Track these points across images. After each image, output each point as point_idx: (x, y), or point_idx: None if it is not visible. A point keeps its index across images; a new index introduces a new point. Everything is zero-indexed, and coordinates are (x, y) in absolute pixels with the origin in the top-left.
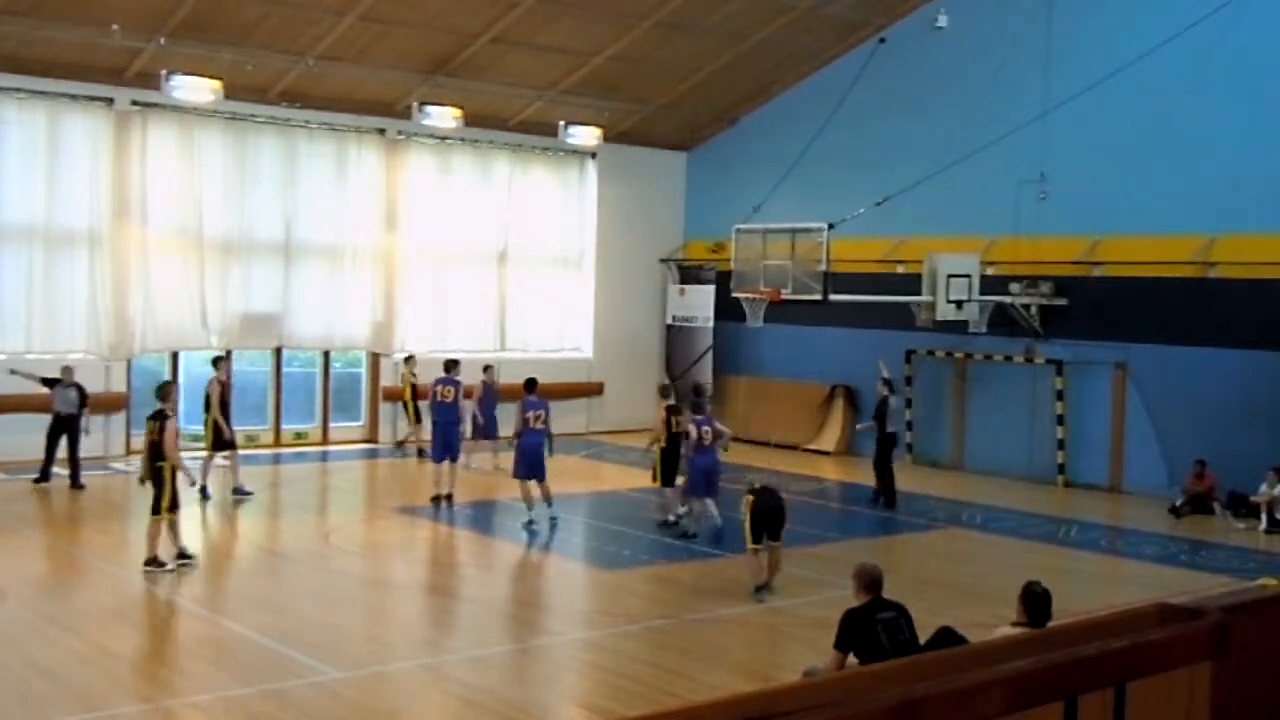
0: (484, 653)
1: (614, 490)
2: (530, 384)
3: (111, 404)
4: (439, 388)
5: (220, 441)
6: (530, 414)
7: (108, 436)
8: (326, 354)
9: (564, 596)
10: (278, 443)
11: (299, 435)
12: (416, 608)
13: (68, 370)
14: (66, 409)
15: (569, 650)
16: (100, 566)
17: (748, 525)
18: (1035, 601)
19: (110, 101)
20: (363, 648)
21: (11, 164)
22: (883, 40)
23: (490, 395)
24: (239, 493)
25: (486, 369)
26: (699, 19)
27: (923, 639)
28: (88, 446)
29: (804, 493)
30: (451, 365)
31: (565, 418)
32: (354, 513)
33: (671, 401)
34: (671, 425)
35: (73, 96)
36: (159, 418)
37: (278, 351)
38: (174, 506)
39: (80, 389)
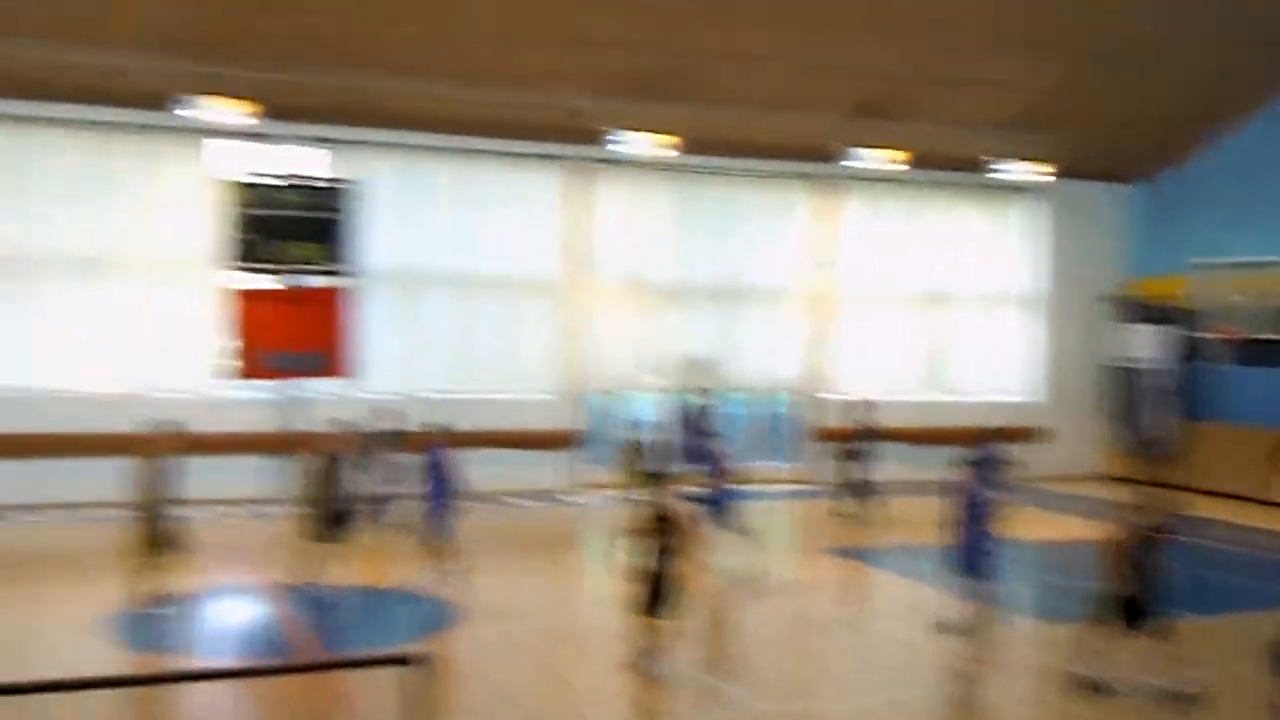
0: (908, 696)
1: (1059, 540)
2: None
3: (564, 441)
4: None
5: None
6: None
7: (557, 471)
8: (759, 395)
9: (1005, 649)
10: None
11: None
12: (845, 648)
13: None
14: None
15: (1008, 706)
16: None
17: None
18: None
19: (564, 159)
20: (792, 684)
21: (485, 218)
22: None
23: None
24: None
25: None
26: (1145, 48)
27: None
28: (536, 478)
29: None
30: None
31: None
32: (787, 552)
33: None
34: None
35: (530, 155)
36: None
37: (710, 392)
38: None
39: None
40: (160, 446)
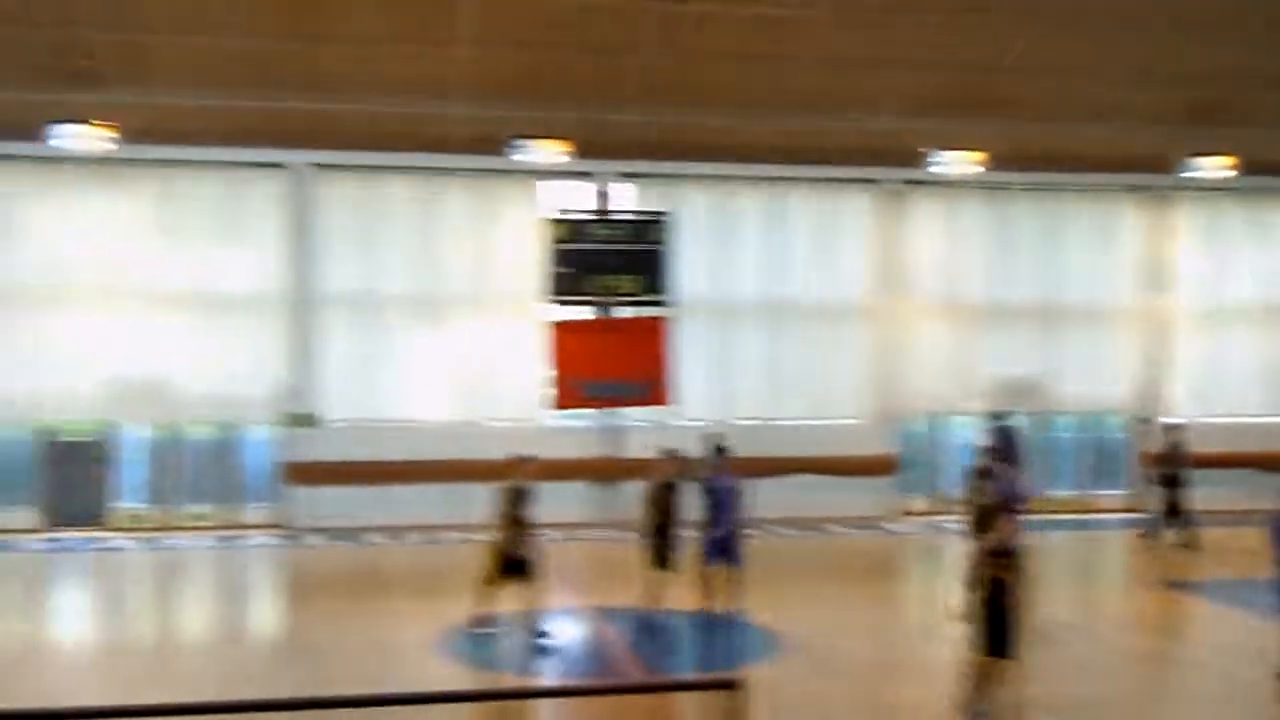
0: None
1: None
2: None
3: (878, 467)
4: None
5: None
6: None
7: (875, 498)
8: (1087, 418)
9: None
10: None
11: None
12: (1188, 688)
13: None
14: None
15: None
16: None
17: None
18: None
19: (877, 182)
20: None
21: (796, 244)
22: None
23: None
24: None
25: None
26: None
27: None
28: (853, 505)
29: None
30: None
31: None
32: (1118, 585)
33: None
34: None
35: (840, 180)
36: None
37: (1028, 416)
38: None
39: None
40: (515, 473)
